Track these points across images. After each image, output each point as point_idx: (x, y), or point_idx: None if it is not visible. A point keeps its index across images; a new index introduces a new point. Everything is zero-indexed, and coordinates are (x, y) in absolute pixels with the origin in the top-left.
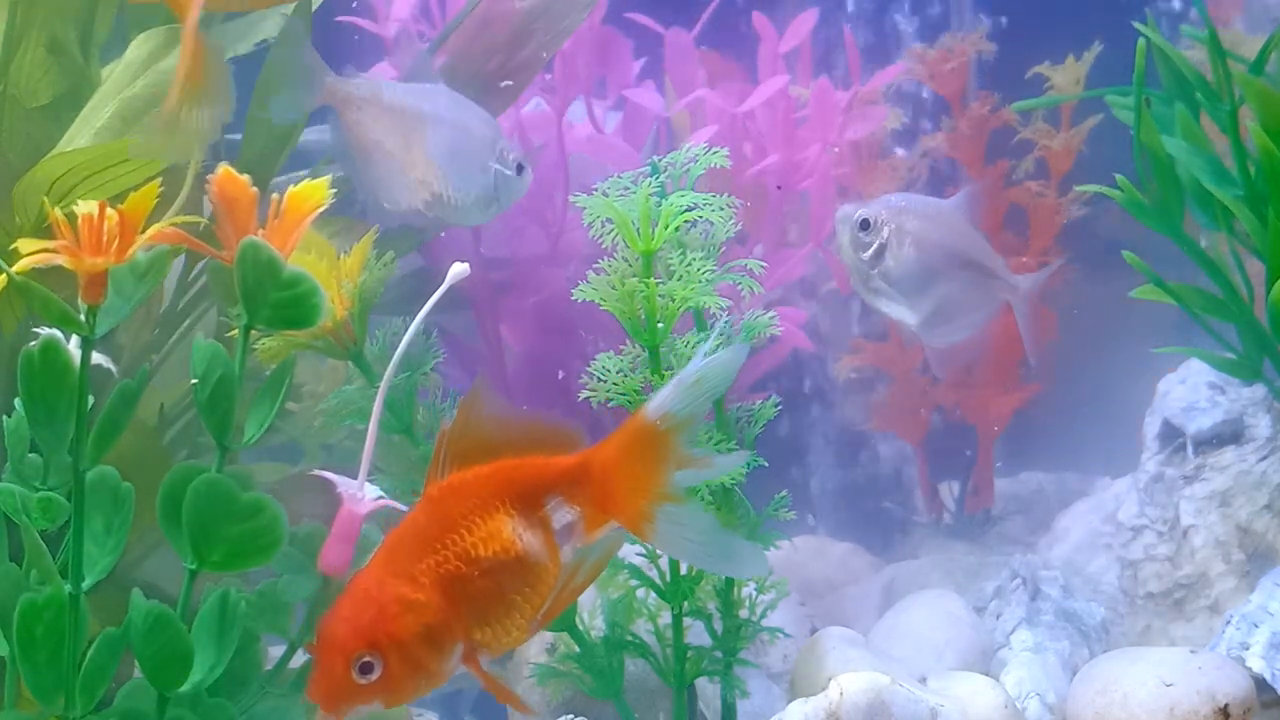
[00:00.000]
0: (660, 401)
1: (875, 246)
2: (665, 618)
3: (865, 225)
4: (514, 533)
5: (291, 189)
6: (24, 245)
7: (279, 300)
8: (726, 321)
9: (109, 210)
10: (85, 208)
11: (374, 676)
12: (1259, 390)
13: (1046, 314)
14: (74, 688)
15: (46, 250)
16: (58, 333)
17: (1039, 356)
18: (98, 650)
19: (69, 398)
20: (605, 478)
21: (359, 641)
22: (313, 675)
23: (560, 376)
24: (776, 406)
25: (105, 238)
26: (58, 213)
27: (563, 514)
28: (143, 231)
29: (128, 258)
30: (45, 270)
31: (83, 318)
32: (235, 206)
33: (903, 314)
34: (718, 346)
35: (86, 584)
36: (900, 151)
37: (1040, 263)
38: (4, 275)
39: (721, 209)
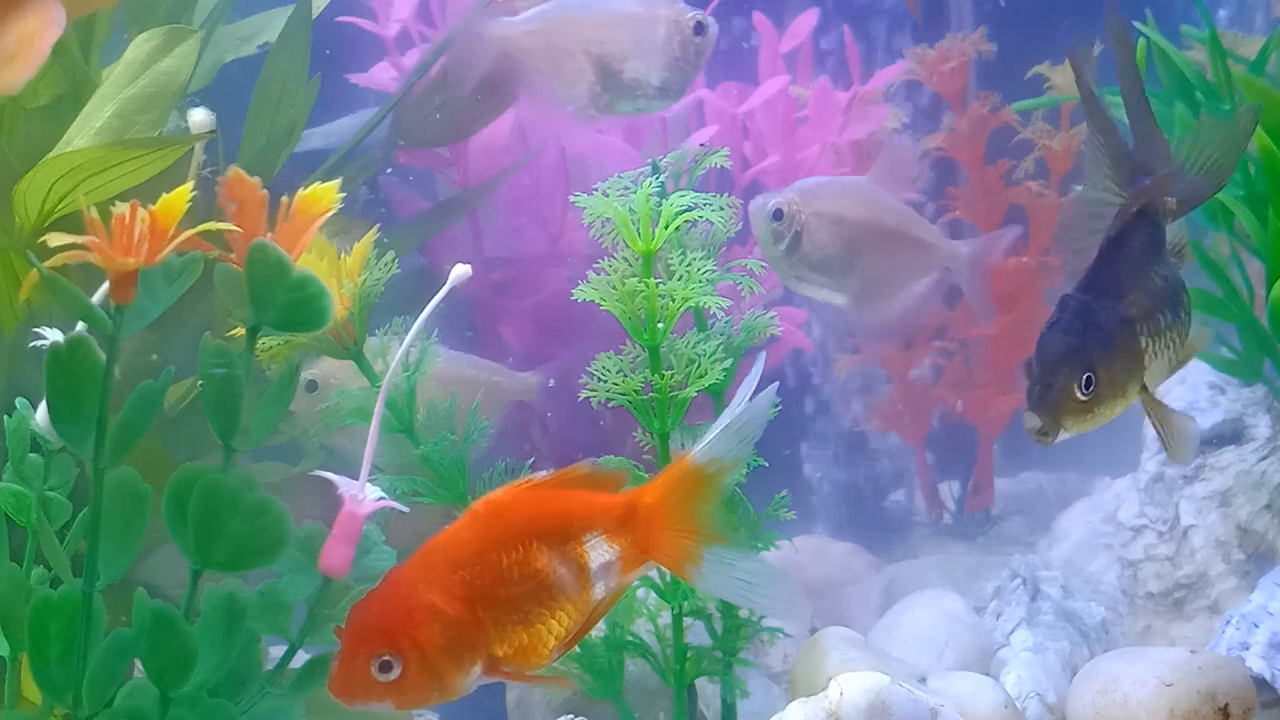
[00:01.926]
0: (709, 447)
1: (791, 235)
2: (665, 618)
3: (778, 215)
4: (549, 562)
5: (301, 191)
6: (53, 239)
7: (287, 302)
8: (727, 321)
9: (141, 211)
10: (119, 208)
11: (391, 676)
12: (1259, 390)
13: (1045, 312)
14: (83, 687)
15: (78, 247)
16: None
17: (989, 319)
18: (107, 651)
19: (95, 396)
20: (650, 520)
21: (382, 640)
22: (334, 661)
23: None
24: (776, 407)
25: (137, 238)
26: (92, 210)
27: (601, 552)
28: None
29: (159, 259)
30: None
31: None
32: (244, 208)
33: (830, 296)
34: (718, 347)
35: (101, 583)
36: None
37: (1040, 263)
38: (31, 271)
39: (721, 209)
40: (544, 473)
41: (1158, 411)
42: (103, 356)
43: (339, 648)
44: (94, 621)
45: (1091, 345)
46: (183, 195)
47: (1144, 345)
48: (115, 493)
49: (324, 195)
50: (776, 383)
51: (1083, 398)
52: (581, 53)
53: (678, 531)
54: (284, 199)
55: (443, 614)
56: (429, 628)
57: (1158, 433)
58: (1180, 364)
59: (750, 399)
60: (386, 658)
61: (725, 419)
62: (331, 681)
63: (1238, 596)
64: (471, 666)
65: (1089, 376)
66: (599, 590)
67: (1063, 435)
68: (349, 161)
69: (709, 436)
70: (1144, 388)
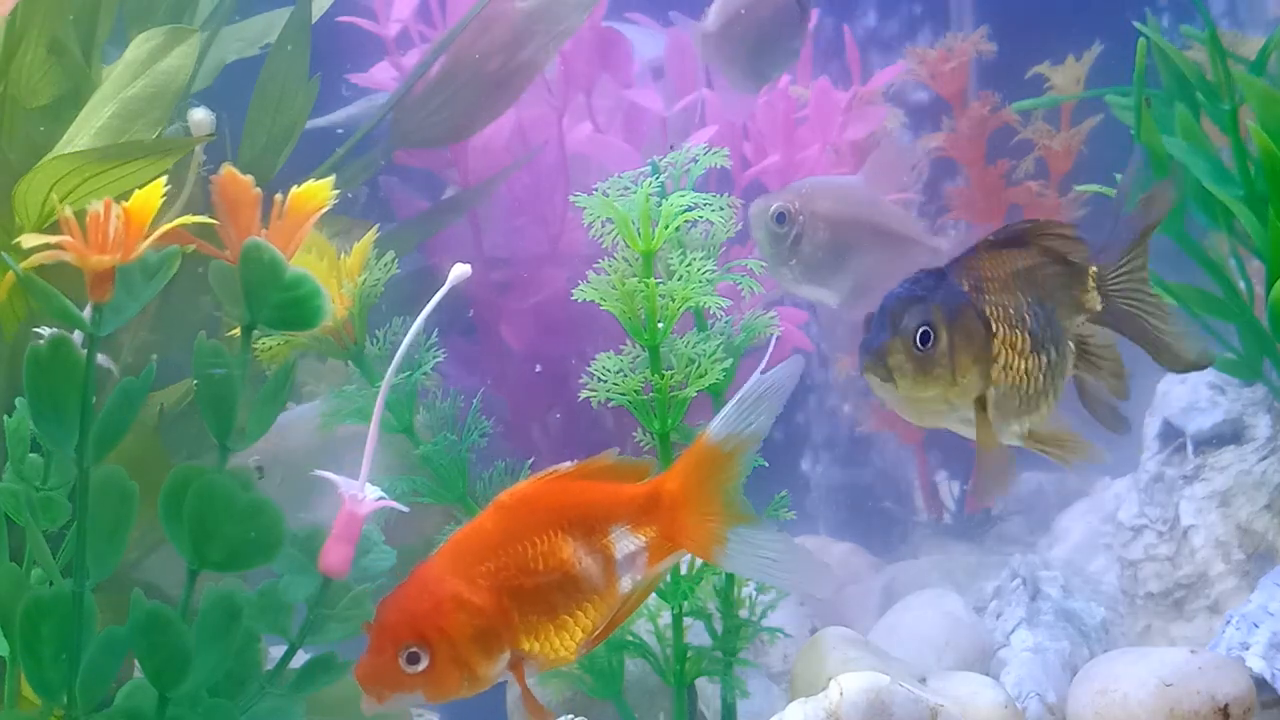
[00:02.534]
0: (722, 423)
1: (793, 236)
2: (665, 618)
3: (781, 218)
4: (574, 554)
5: (294, 190)
6: (27, 240)
7: (281, 301)
8: (727, 321)
9: (115, 207)
10: (93, 206)
11: (419, 668)
12: (1259, 390)
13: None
14: (77, 686)
15: (52, 247)
16: (66, 331)
17: None
18: (98, 649)
19: (76, 395)
20: (674, 506)
21: (409, 631)
22: (362, 656)
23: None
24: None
25: (112, 235)
26: (66, 210)
27: (627, 543)
28: (150, 230)
29: (135, 256)
30: (56, 270)
31: (86, 315)
32: (238, 207)
33: (823, 295)
34: (718, 347)
35: (92, 582)
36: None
37: None
38: (10, 272)
39: (721, 209)
40: (568, 464)
41: (986, 436)
42: (83, 355)
43: (367, 642)
44: (85, 620)
45: (937, 302)
46: (156, 191)
47: (996, 350)
48: (102, 491)
49: (317, 193)
50: (801, 360)
51: (918, 351)
52: (745, 37)
53: (702, 516)
54: (277, 197)
55: (469, 603)
56: (456, 617)
57: (979, 462)
58: (1041, 441)
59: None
60: (415, 649)
61: (741, 394)
62: (359, 673)
63: (1238, 596)
64: (500, 655)
65: (926, 330)
66: (625, 584)
67: (892, 392)
68: (350, 161)
69: (724, 411)
70: (983, 403)
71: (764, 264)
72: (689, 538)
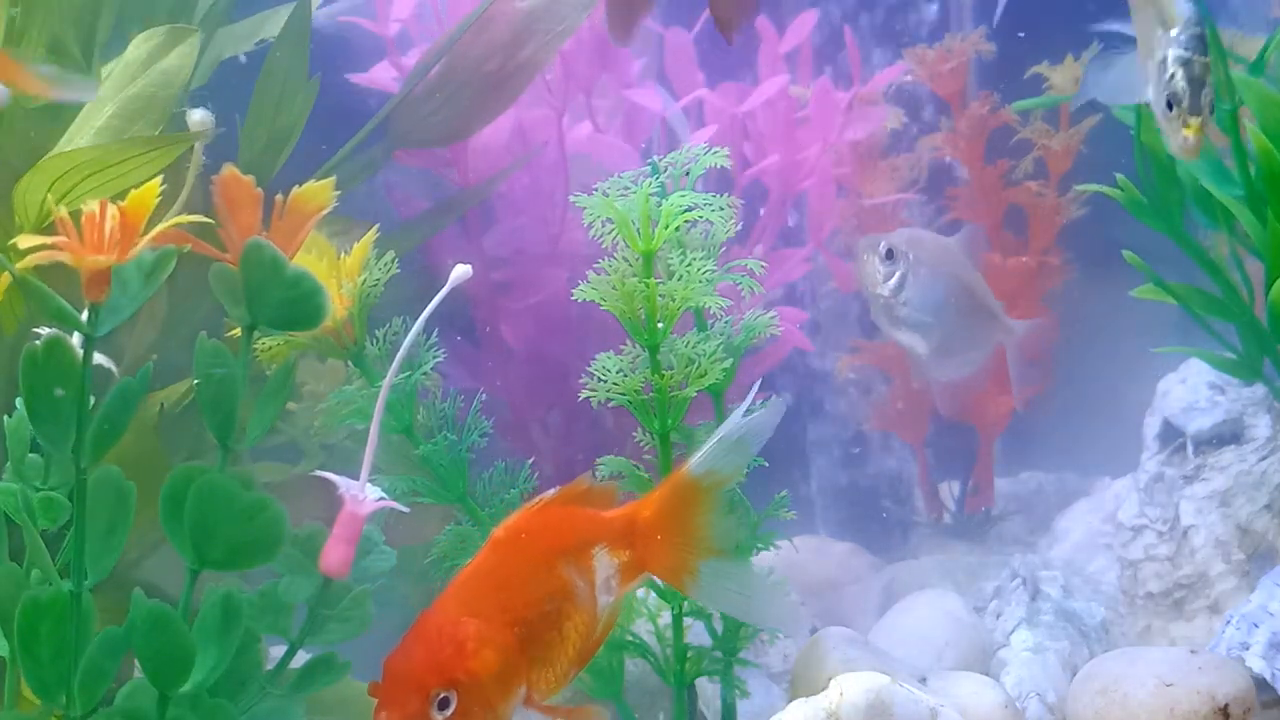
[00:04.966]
0: (703, 458)
1: (898, 276)
2: (665, 618)
3: (890, 255)
4: (570, 580)
5: (296, 190)
6: (24, 241)
7: (282, 300)
8: (726, 321)
9: (111, 208)
10: (88, 206)
11: (449, 713)
12: (1259, 390)
13: (1047, 314)
14: (75, 686)
15: (47, 247)
16: (62, 331)
17: (1025, 400)
18: (98, 649)
19: (73, 395)
20: (648, 533)
21: (438, 677)
22: (383, 715)
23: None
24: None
25: (108, 235)
26: (62, 210)
27: (604, 566)
28: (147, 230)
29: (131, 256)
30: (56, 270)
31: (84, 315)
32: (239, 207)
33: (916, 343)
34: (718, 347)
35: (89, 582)
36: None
37: (1040, 263)
38: (5, 273)
39: (721, 209)
40: (550, 492)
41: None
42: (79, 356)
43: (384, 698)
44: (84, 621)
45: None
46: (151, 191)
47: None
48: (99, 491)
49: (318, 193)
50: (783, 398)
51: None
52: None
53: (674, 545)
54: (279, 197)
55: (491, 640)
56: (479, 655)
57: None
58: None
59: (749, 412)
60: (444, 694)
61: (723, 430)
62: None
63: (1238, 596)
64: (518, 690)
65: None
66: (602, 604)
67: None
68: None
69: (706, 448)
70: None
71: (764, 264)
72: (660, 565)
